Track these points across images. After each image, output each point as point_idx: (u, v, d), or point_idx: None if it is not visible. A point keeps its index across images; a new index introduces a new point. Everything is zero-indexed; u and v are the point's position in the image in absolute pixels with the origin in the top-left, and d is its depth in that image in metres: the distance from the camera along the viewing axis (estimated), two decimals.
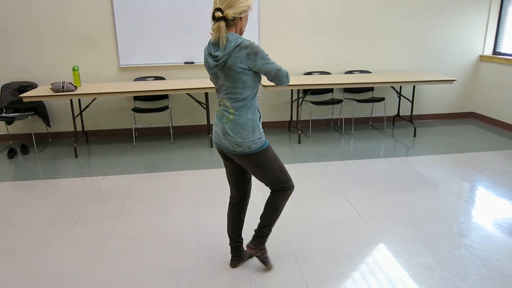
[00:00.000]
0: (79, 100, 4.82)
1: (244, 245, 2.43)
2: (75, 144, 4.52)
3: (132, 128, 5.14)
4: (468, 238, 2.72)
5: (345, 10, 5.21)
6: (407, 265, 2.43)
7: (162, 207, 3.23)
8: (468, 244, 2.65)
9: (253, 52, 1.91)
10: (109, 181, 3.76)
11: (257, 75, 2.01)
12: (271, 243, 2.63)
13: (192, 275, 2.35)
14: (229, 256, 2.47)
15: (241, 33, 2.01)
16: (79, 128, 5.01)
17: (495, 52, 5.68)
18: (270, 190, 2.21)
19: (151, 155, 4.50)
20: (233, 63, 1.91)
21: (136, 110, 4.88)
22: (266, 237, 2.30)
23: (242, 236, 2.40)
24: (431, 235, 2.76)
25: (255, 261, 2.47)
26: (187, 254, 2.57)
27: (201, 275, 2.35)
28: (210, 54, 1.97)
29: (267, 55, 1.95)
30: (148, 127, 5.29)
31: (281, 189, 2.16)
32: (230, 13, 1.89)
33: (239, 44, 1.91)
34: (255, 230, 2.29)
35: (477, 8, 5.51)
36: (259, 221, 2.27)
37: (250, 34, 5.00)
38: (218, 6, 1.89)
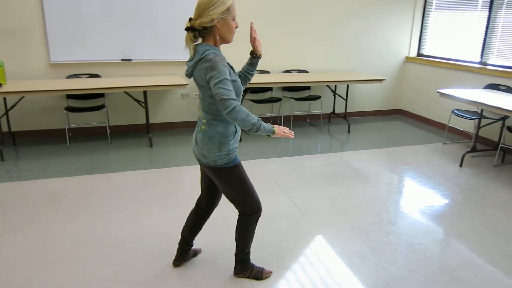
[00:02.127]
0: (4, 98, 4.49)
1: (195, 247, 2.44)
2: (1, 146, 4.21)
3: (65, 128, 4.88)
4: (396, 225, 2.95)
5: (282, 12, 5.35)
6: (343, 254, 2.59)
7: (100, 210, 3.12)
8: (396, 231, 2.87)
9: (210, 67, 1.78)
10: (41, 185, 3.56)
11: None
12: (214, 241, 2.66)
13: (135, 279, 2.32)
14: (171, 257, 2.47)
15: (223, 41, 1.90)
16: (5, 129, 4.67)
17: (419, 53, 6.15)
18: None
19: (86, 156, 4.32)
20: (196, 76, 1.87)
21: (69, 109, 4.64)
22: (247, 261, 2.29)
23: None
24: (364, 225, 2.96)
25: (199, 260, 2.49)
26: (128, 257, 2.52)
27: (143, 278, 2.32)
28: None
29: (224, 78, 1.77)
30: (83, 127, 5.06)
31: (244, 212, 2.12)
32: (197, 22, 1.82)
33: (204, 57, 1.82)
34: (235, 255, 2.29)
35: (403, 14, 5.93)
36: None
37: None
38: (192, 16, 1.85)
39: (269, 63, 5.50)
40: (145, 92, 4.70)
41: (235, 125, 1.99)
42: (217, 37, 1.88)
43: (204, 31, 1.86)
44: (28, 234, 2.76)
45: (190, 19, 1.86)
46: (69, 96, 4.83)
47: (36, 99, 4.79)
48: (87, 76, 4.84)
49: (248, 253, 2.28)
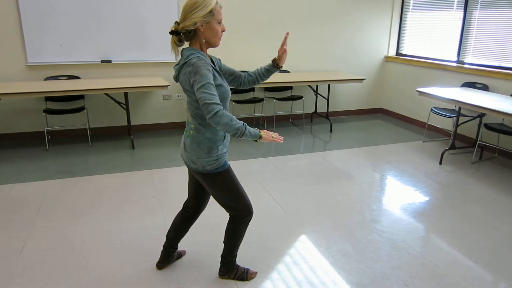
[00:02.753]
0: None
1: (178, 251, 2.42)
2: None
3: (44, 131, 4.78)
4: (379, 223, 2.99)
5: (263, 12, 5.36)
6: (327, 253, 2.61)
7: (81, 213, 3.07)
8: (379, 229, 2.91)
9: (193, 71, 1.76)
10: (19, 189, 3.47)
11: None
12: (198, 243, 2.65)
13: (118, 282, 2.29)
14: (154, 259, 2.44)
15: (209, 45, 1.88)
16: None
17: (398, 53, 6.25)
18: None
19: (66, 159, 4.23)
20: (181, 80, 1.85)
21: (48, 111, 4.54)
22: (233, 262, 2.28)
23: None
24: (347, 223, 2.99)
25: (183, 261, 2.47)
26: (111, 260, 2.49)
27: (127, 280, 2.29)
28: None
29: (207, 82, 1.74)
30: (63, 129, 4.96)
31: (235, 215, 2.10)
32: (180, 26, 1.81)
33: (187, 61, 1.80)
34: (221, 256, 2.27)
35: (381, 14, 6.02)
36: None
37: None
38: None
39: (251, 64, 5.50)
40: (126, 94, 4.64)
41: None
42: (203, 40, 1.86)
43: (188, 35, 1.84)
44: (7, 239, 2.69)
45: (176, 23, 1.84)
46: (48, 98, 4.73)
47: (14, 102, 4.68)
48: (66, 77, 4.75)
49: (235, 255, 2.27)
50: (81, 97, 4.87)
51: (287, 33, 2.07)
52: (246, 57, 5.44)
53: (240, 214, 2.09)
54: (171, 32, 1.85)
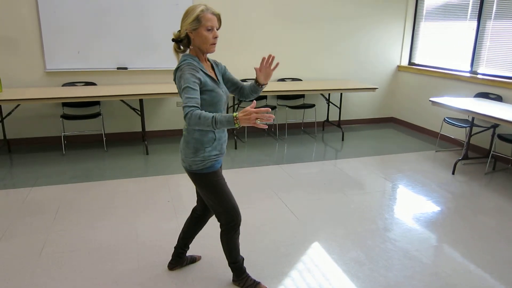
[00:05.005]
0: (0, 106, 4.50)
1: (194, 251, 2.45)
2: None
3: (61, 136, 4.88)
4: (392, 232, 2.99)
5: (278, 21, 5.43)
6: (340, 260, 2.62)
7: (97, 217, 3.13)
8: (392, 238, 2.92)
9: (180, 76, 1.85)
10: (37, 193, 3.55)
11: (202, 94, 1.90)
12: (212, 249, 2.68)
13: (134, 284, 2.33)
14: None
15: (202, 52, 1.95)
16: (0, 137, 4.66)
17: (410, 62, 6.26)
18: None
19: (82, 164, 4.32)
20: (176, 83, 1.93)
21: (65, 117, 4.65)
22: (239, 269, 2.29)
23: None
24: (360, 231, 3.00)
25: (198, 266, 2.51)
26: (127, 264, 2.53)
27: (143, 283, 2.34)
28: None
29: (186, 85, 1.80)
30: (79, 135, 5.07)
31: (220, 220, 2.12)
32: (176, 34, 1.97)
33: (179, 67, 1.90)
34: (228, 265, 2.30)
35: (394, 24, 6.04)
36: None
37: None
38: None
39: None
40: (141, 100, 4.73)
41: (214, 132, 2.00)
42: (197, 47, 1.95)
43: (184, 42, 1.97)
44: (25, 242, 2.75)
45: (178, 31, 1.98)
46: (64, 104, 4.84)
47: (32, 107, 4.80)
48: (83, 84, 4.86)
49: (237, 262, 2.27)
50: (97, 103, 4.97)
51: (270, 56, 2.07)
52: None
53: (224, 218, 2.09)
54: (173, 40, 1.99)
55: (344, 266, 2.56)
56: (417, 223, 3.16)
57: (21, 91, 4.31)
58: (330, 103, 5.85)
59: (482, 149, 4.89)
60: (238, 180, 3.94)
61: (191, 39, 1.93)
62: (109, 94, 4.28)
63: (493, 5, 4.78)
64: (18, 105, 4.49)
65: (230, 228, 2.12)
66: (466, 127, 4.64)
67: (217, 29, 1.94)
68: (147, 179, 3.91)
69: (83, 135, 5.08)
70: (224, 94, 2.04)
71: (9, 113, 4.45)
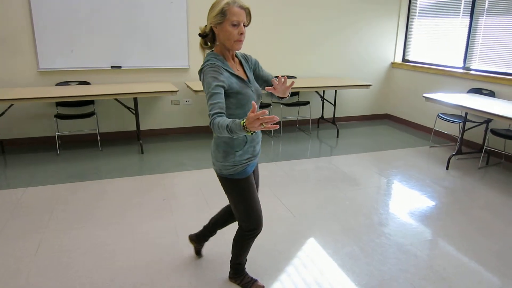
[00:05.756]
0: None
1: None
2: None
3: (55, 136, 4.86)
4: (387, 227, 3.02)
5: (273, 19, 5.43)
6: (335, 255, 2.64)
7: (93, 216, 3.12)
8: (387, 232, 2.94)
9: (203, 80, 1.75)
10: (32, 193, 3.54)
11: (228, 97, 1.78)
12: (208, 246, 2.69)
13: (131, 283, 2.33)
14: (166, 263, 2.50)
15: (227, 49, 1.82)
16: None
17: (404, 59, 6.29)
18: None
19: (77, 163, 4.30)
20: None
21: (59, 116, 4.62)
22: (240, 269, 2.29)
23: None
24: (355, 227, 3.02)
25: (198, 261, 2.51)
26: (123, 262, 2.53)
27: (140, 281, 2.34)
28: None
29: (211, 89, 1.69)
30: (73, 134, 5.04)
31: (243, 227, 2.06)
32: (200, 28, 1.83)
33: (202, 68, 1.80)
34: (230, 261, 2.29)
35: (388, 21, 6.07)
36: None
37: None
38: None
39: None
40: (135, 99, 4.71)
41: (246, 136, 1.86)
42: (222, 43, 1.81)
43: (208, 37, 1.83)
44: (21, 241, 2.74)
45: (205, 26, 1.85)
46: (58, 104, 4.82)
47: (25, 107, 4.77)
48: (77, 83, 4.84)
49: (241, 263, 2.27)
50: (91, 102, 4.95)
51: (284, 78, 1.91)
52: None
53: (246, 226, 2.04)
54: (199, 35, 1.85)
55: (340, 261, 2.57)
56: (412, 217, 3.18)
57: (14, 91, 4.29)
58: (324, 100, 5.87)
59: (476, 144, 4.93)
60: None
61: (216, 34, 1.80)
62: (103, 93, 4.26)
63: (485, 1, 4.82)
64: (12, 105, 4.46)
65: (250, 235, 2.07)
66: (459, 122, 4.67)
67: (245, 25, 1.78)
68: (142, 178, 3.90)
69: (77, 134, 5.06)
70: (254, 93, 1.89)
71: (2, 113, 4.42)
